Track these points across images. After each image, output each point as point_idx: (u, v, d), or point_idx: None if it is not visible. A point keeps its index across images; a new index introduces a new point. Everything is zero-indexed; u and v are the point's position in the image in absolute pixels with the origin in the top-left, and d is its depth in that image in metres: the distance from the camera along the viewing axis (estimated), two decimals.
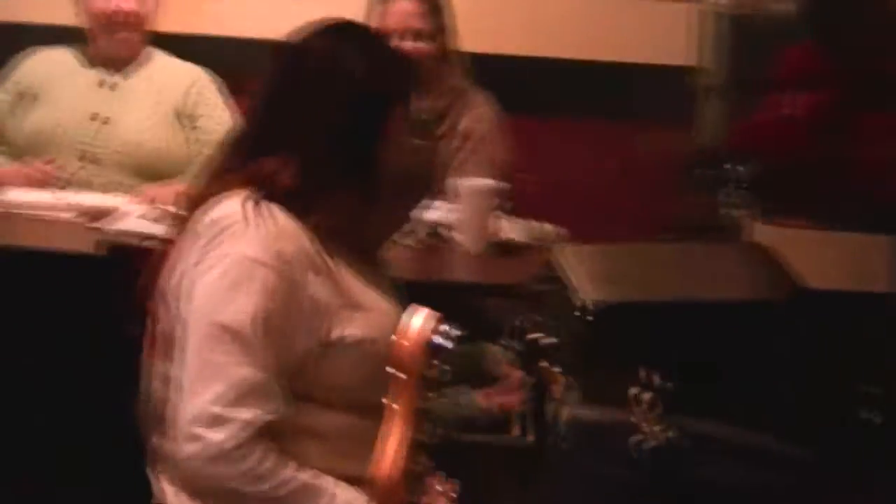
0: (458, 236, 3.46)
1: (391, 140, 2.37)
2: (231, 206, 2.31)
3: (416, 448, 1.50)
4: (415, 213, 3.22)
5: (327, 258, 2.34)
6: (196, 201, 2.38)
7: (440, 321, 1.47)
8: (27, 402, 3.23)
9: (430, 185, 2.90)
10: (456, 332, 1.48)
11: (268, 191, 2.32)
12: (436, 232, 3.50)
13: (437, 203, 3.61)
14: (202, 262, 2.28)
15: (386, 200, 2.44)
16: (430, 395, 1.50)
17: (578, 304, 2.07)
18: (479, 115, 3.94)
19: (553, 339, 2.16)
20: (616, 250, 2.43)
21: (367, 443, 2.14)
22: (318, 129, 2.35)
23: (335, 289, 2.33)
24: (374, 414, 2.16)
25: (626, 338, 2.04)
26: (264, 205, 2.30)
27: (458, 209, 3.45)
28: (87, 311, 3.09)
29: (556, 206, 3.85)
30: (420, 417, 1.49)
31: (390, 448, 1.47)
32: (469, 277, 3.29)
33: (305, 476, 2.24)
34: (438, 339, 1.47)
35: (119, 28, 3.91)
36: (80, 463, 3.21)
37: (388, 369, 1.51)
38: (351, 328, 2.31)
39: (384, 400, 1.49)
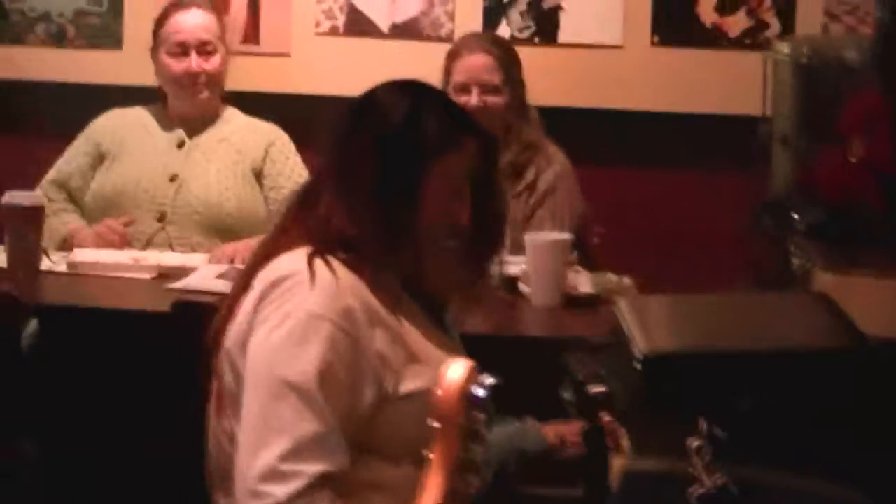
0: (526, 289, 3.46)
1: (429, 197, 2.37)
2: (293, 263, 2.34)
3: (458, 499, 1.49)
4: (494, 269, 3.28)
5: (390, 313, 2.35)
6: (258, 257, 2.41)
7: (477, 371, 1.47)
8: (102, 461, 3.27)
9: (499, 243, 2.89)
10: (490, 381, 1.48)
11: (323, 238, 2.35)
12: (513, 286, 3.51)
13: (514, 258, 3.63)
14: (267, 321, 2.30)
15: (442, 257, 2.45)
16: (472, 446, 1.49)
17: (636, 354, 2.05)
18: (557, 170, 3.94)
19: (609, 390, 2.14)
20: (678, 301, 2.41)
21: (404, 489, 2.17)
22: (356, 177, 2.36)
23: (399, 343, 2.34)
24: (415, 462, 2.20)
25: (684, 388, 2.02)
26: (326, 260, 2.32)
27: (530, 263, 3.45)
28: (163, 370, 3.12)
29: (632, 257, 3.85)
30: (461, 468, 1.49)
31: (430, 500, 1.47)
32: (538, 332, 3.27)
33: None
34: (476, 389, 1.46)
35: (195, 88, 3.95)
36: None
37: (428, 421, 1.50)
38: (415, 382, 2.31)
39: (424, 452, 1.50)
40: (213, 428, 2.42)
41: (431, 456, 1.49)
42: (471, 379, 1.46)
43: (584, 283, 3.52)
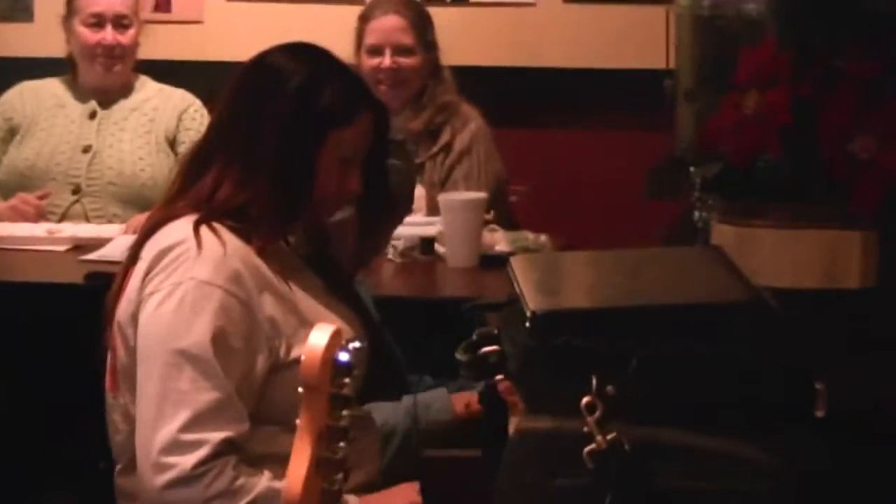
0: (442, 250, 3.46)
1: (323, 168, 2.35)
2: (179, 232, 2.31)
3: (330, 467, 1.49)
4: (403, 231, 3.28)
5: (280, 279, 2.34)
6: (146, 228, 2.38)
7: (342, 336, 1.46)
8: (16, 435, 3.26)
9: (405, 208, 2.88)
10: (356, 346, 1.47)
11: (209, 210, 2.32)
12: (430, 248, 3.52)
13: (431, 219, 3.63)
14: (155, 292, 2.28)
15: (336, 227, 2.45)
16: (339, 412, 1.48)
17: (526, 313, 2.05)
18: (472, 129, 3.93)
19: (502, 350, 2.14)
20: (570, 257, 2.41)
21: None
22: (250, 146, 2.34)
23: (291, 308, 2.33)
24: None
25: (575, 346, 2.02)
26: (212, 227, 2.30)
27: (445, 223, 3.45)
28: (76, 344, 3.11)
29: (549, 217, 3.85)
30: (329, 435, 1.48)
31: (300, 467, 1.46)
32: (455, 292, 3.27)
33: (278, 484, 2.23)
34: (341, 355, 1.46)
35: (108, 58, 3.92)
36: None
37: (298, 389, 1.50)
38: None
39: (298, 421, 1.49)
40: (109, 404, 2.41)
41: (299, 423, 1.48)
42: (335, 344, 1.45)
43: (500, 242, 3.52)
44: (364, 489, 2.43)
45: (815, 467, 2.11)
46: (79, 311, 2.50)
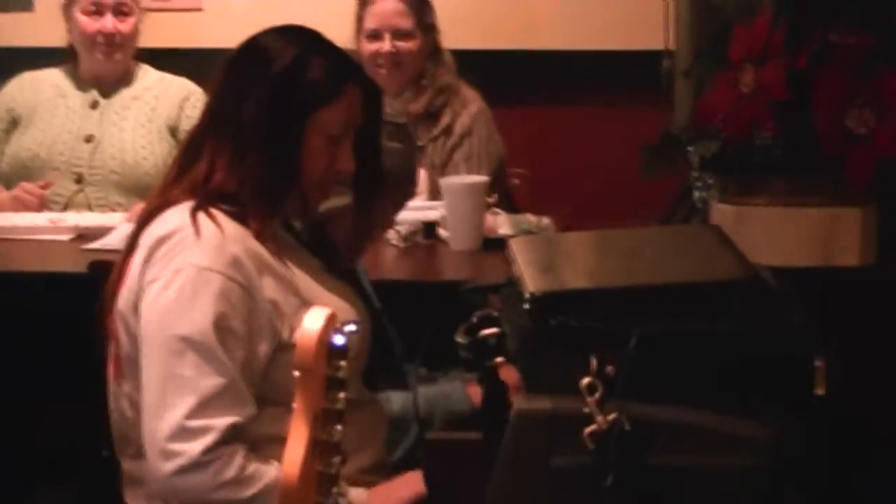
0: (444, 234, 3.46)
1: (312, 148, 2.35)
2: (177, 219, 2.32)
3: (327, 450, 1.49)
4: (405, 215, 3.28)
5: (279, 261, 2.35)
6: (145, 215, 2.39)
7: (337, 319, 1.47)
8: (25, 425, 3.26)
9: (408, 191, 2.88)
10: (351, 329, 1.48)
11: (205, 195, 2.33)
12: (432, 232, 3.52)
13: (433, 203, 3.63)
14: (156, 280, 2.28)
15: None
16: (338, 395, 1.49)
17: (525, 294, 2.05)
18: (472, 112, 3.93)
19: (502, 332, 2.14)
20: (569, 238, 2.41)
21: None
22: (238, 128, 2.33)
23: (291, 290, 2.33)
24: None
25: (574, 326, 2.02)
26: (209, 213, 2.31)
27: (447, 207, 3.45)
28: (80, 334, 3.11)
29: (550, 198, 3.84)
30: (326, 417, 1.49)
31: (297, 450, 1.47)
32: (458, 276, 3.27)
33: None
34: (336, 337, 1.46)
35: (108, 46, 3.92)
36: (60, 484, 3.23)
37: (294, 373, 1.50)
38: None
39: (294, 404, 1.50)
40: (114, 392, 2.41)
41: (295, 406, 1.49)
42: (330, 327, 1.46)
43: (503, 225, 3.52)
44: (369, 472, 2.44)
45: (812, 445, 2.11)
46: (83, 300, 2.51)
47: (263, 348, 2.29)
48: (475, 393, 2.84)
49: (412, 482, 2.40)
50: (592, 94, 4.49)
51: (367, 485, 2.40)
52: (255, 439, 2.28)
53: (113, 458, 2.46)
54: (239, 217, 2.33)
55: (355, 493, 2.31)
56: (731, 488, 2.03)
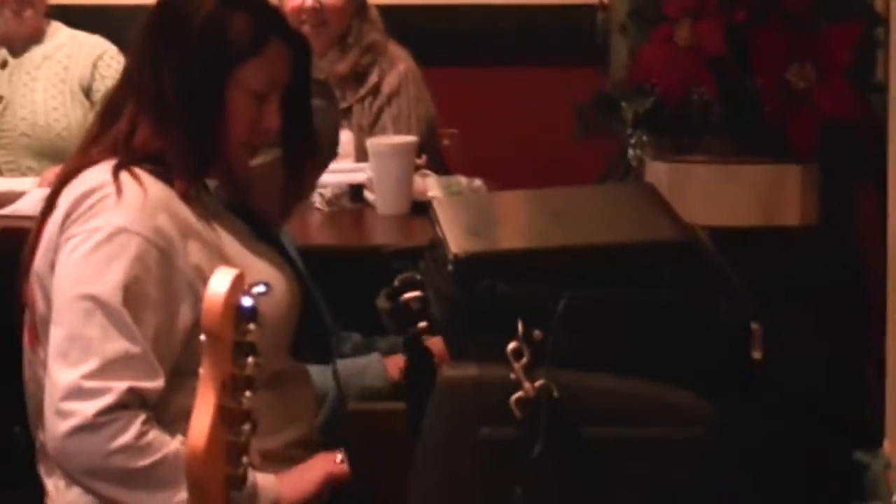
0: (371, 197, 3.37)
1: (235, 106, 2.26)
2: (98, 177, 2.24)
3: (235, 417, 1.40)
4: (330, 178, 3.19)
5: (205, 224, 2.27)
6: (63, 176, 2.31)
7: (244, 281, 1.37)
8: None
9: (329, 151, 2.79)
10: (259, 290, 1.38)
11: (127, 154, 2.25)
12: (359, 195, 3.43)
13: (359, 165, 3.53)
14: (73, 237, 2.21)
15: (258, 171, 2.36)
16: (247, 360, 1.39)
17: (448, 256, 1.96)
18: (401, 71, 3.82)
19: (425, 296, 2.06)
20: (496, 198, 2.33)
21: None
22: (159, 86, 2.25)
23: (216, 254, 2.25)
24: (264, 385, 2.11)
25: (500, 289, 1.94)
26: (132, 172, 2.23)
27: (374, 169, 3.35)
28: None
29: (481, 159, 3.76)
30: (237, 385, 1.39)
31: (203, 418, 1.37)
32: (385, 240, 3.18)
33: None
34: (244, 300, 1.36)
35: (18, 3, 3.79)
36: None
37: (201, 337, 1.40)
38: None
39: (200, 370, 1.40)
40: (29, 361, 2.32)
41: (201, 372, 1.39)
42: (238, 288, 1.36)
43: (433, 187, 3.42)
44: (297, 446, 2.36)
45: (748, 414, 2.04)
46: None
47: (184, 316, 2.20)
48: (394, 367, 2.77)
49: (324, 463, 2.32)
50: (527, 52, 4.39)
51: (295, 460, 2.32)
52: (180, 411, 2.17)
53: (26, 434, 2.37)
54: (163, 177, 2.25)
55: (263, 479, 2.21)
56: (664, 459, 1.96)
